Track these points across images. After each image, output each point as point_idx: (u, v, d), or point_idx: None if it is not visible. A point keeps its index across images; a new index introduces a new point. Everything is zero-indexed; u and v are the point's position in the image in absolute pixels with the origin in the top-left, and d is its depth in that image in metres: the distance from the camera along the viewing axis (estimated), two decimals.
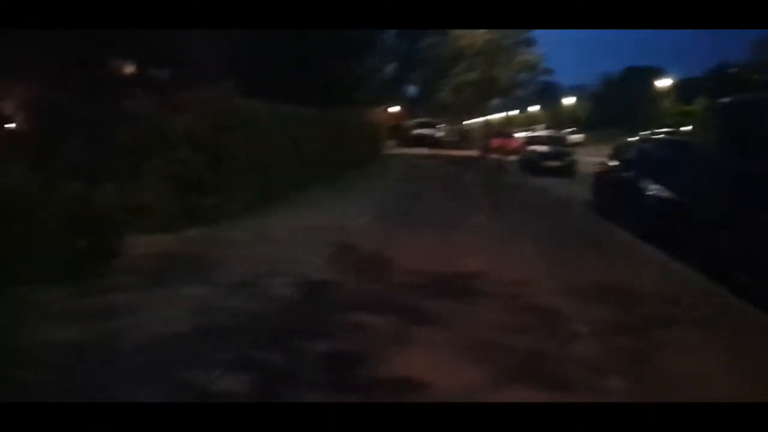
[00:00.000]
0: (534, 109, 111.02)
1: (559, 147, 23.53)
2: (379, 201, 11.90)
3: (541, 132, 35.19)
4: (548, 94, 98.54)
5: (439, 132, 45.83)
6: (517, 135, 41.39)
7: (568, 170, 22.04)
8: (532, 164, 22.49)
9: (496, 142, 35.25)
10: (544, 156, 22.44)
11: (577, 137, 52.68)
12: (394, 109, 49.71)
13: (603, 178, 11.96)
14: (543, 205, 12.97)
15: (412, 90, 68.40)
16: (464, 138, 59.58)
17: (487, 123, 33.76)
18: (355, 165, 19.93)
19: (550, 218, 10.95)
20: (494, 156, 31.29)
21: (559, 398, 3.39)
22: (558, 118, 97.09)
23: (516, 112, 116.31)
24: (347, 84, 27.68)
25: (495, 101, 34.71)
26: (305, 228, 8.54)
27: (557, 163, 22.19)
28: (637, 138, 12.38)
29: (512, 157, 25.88)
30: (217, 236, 7.74)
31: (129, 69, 12.12)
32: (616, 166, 11.31)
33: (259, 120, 10.63)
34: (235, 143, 9.47)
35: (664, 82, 59.30)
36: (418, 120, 49.02)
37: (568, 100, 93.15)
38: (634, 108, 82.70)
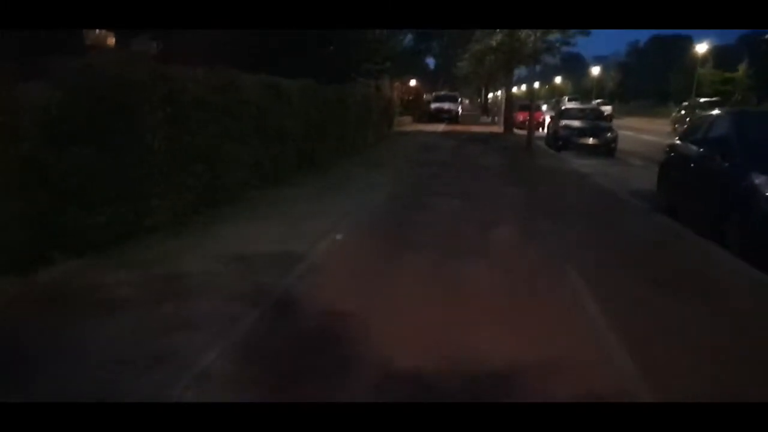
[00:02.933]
0: (558, 80, 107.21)
1: (596, 121, 20.15)
2: (369, 202, 8.85)
3: (574, 104, 31.78)
4: (573, 65, 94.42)
5: (459, 105, 42.54)
6: (544, 107, 37.98)
7: (607, 149, 18.80)
8: (565, 141, 19.20)
9: (521, 116, 31.82)
10: (578, 132, 19.12)
11: (606, 108, 49.06)
12: (412, 82, 46.61)
13: (678, 167, 8.64)
14: (590, 201, 9.79)
15: (430, 61, 65.35)
16: (485, 111, 56.36)
17: (509, 94, 30.23)
18: (356, 147, 16.94)
19: (608, 227, 7.68)
20: (519, 131, 27.99)
21: None
22: (584, 89, 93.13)
23: (536, 85, 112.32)
24: (356, 54, 24.74)
25: (518, 71, 31.05)
26: (236, 259, 5.52)
27: (594, 140, 18.87)
28: (726, 111, 8.78)
29: (539, 132, 22.64)
30: (78, 282, 4.78)
31: None
32: (700, 151, 7.97)
33: (199, 93, 7.65)
34: (149, 126, 6.51)
35: (699, 50, 54.98)
36: (436, 93, 45.70)
37: (594, 70, 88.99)
38: (664, 77, 78.57)
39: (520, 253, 6.20)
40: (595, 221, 8.01)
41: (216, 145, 8.04)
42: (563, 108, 23.12)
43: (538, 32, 20.97)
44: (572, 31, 21.97)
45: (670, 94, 70.55)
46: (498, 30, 23.58)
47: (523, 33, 22.25)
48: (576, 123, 19.76)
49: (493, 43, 24.65)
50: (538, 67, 30.96)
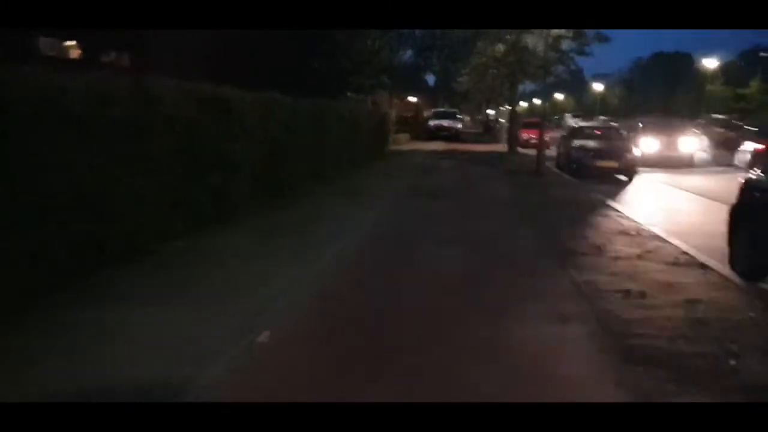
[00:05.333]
0: (560, 97, 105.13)
1: (614, 141, 17.68)
2: (333, 257, 6.39)
3: (587, 122, 29.32)
4: (573, 82, 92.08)
5: (459, 122, 40.21)
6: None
7: (627, 172, 16.34)
8: (579, 164, 16.70)
9: (526, 134, 29.38)
10: (595, 153, 16.64)
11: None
12: (412, 98, 44.34)
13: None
14: (637, 257, 7.24)
15: (430, 78, 63.09)
16: (487, 129, 53.88)
17: (514, 111, 27.85)
18: (340, 171, 14.54)
19: (688, 317, 4.81)
20: (524, 151, 25.57)
21: None
22: (585, 106, 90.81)
23: (538, 101, 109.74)
24: (346, 67, 22.48)
25: (521, 86, 28.59)
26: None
27: (613, 162, 16.41)
28: None
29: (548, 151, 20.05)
30: None
31: None
32: None
33: (73, 107, 5.22)
34: None
35: (708, 66, 52.72)
36: (435, 110, 43.42)
37: (598, 87, 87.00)
38: (669, 94, 76.57)
39: (558, 373, 3.69)
40: (660, 303, 5.41)
41: (106, 181, 5.60)
42: (576, 126, 20.56)
43: (549, 40, 18.41)
44: (588, 37, 19.34)
45: (676, 111, 68.45)
46: (501, 39, 21.14)
47: (531, 42, 19.67)
48: (591, 143, 17.31)
49: (497, 54, 22.19)
50: (543, 81, 28.58)
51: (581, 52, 20.29)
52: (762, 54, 54.42)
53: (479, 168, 18.15)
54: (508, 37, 21.18)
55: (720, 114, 37.05)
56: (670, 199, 13.18)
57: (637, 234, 8.17)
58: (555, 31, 17.93)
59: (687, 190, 13.90)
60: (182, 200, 7.05)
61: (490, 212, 9.79)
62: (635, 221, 9.12)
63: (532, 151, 23.68)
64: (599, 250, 7.13)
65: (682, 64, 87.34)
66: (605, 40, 19.40)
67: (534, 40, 19.11)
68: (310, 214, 9.04)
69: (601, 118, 55.78)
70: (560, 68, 21.75)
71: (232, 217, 8.26)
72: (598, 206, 10.95)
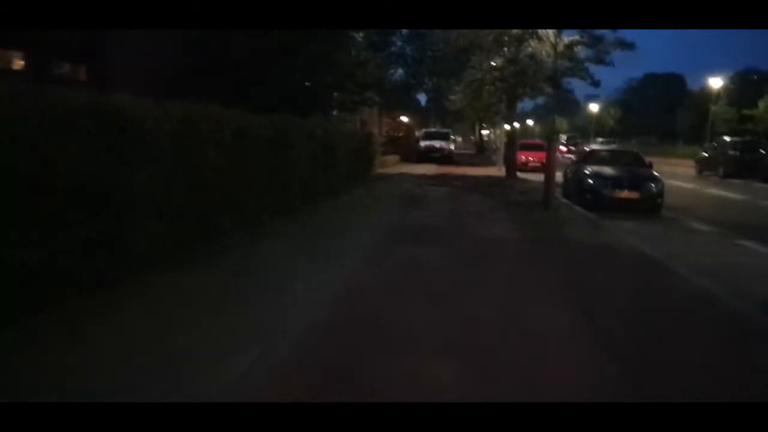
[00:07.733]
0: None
1: (635, 168, 15.15)
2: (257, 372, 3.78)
3: (601, 145, 26.90)
4: (564, 103, 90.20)
5: (451, 144, 37.83)
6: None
7: (652, 204, 13.84)
8: (595, 195, 14.11)
9: (524, 157, 26.89)
10: (613, 182, 14.10)
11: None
12: (403, 118, 42.06)
13: None
14: (720, 351, 4.73)
15: (421, 98, 60.93)
16: (480, 150, 51.56)
17: (513, 131, 25.39)
18: (310, 200, 11.98)
19: None
20: (522, 175, 23.05)
21: None
22: (577, 128, 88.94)
23: (530, 122, 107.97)
24: (327, 82, 20.09)
25: (521, 104, 26.16)
26: None
27: (636, 193, 13.87)
28: None
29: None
30: None
31: None
32: None
33: None
34: None
35: (713, 86, 50.65)
36: (426, 130, 41.08)
37: (593, 107, 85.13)
38: (664, 115, 74.96)
39: None
40: None
41: None
42: (588, 150, 17.96)
43: (560, 47, 15.90)
44: (608, 43, 16.67)
45: (676, 132, 66.74)
46: (501, 46, 18.61)
47: (537, 49, 17.15)
48: (608, 170, 14.73)
49: (496, 66, 19.65)
50: (540, 100, 26.17)
51: (600, 61, 17.53)
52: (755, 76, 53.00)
53: (477, 198, 15.56)
54: (506, 49, 18.80)
55: (725, 135, 34.73)
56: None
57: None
58: (567, 37, 15.40)
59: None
60: (35, 261, 4.44)
61: (499, 275, 7.07)
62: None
63: (532, 176, 21.27)
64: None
65: (675, 85, 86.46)
66: (628, 47, 16.68)
67: (540, 46, 16.56)
68: (239, 275, 6.33)
69: (599, 139, 53.74)
70: (572, 81, 19.18)
71: (123, 280, 5.64)
72: (614, 243, 8.43)
